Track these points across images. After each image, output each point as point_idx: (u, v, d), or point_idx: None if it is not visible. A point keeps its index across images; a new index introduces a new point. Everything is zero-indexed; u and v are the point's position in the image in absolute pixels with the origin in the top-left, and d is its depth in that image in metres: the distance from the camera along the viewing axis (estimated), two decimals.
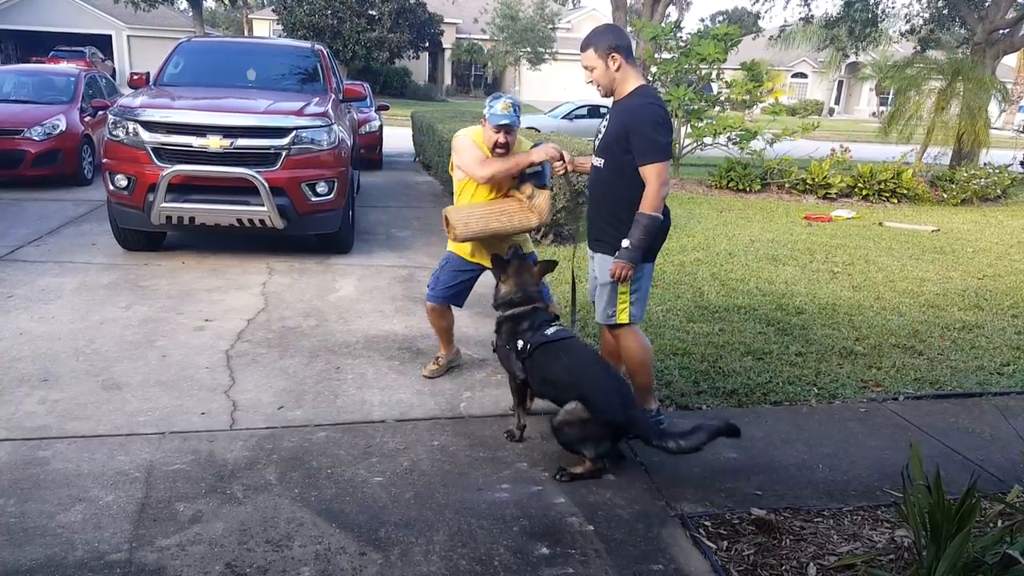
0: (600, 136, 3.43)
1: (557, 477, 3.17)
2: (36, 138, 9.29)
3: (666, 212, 3.35)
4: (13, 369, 4.00)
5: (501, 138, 3.66)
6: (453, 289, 4.00)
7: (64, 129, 9.57)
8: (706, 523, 2.89)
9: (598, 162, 3.41)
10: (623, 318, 3.42)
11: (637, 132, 3.18)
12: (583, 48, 3.30)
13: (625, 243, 3.24)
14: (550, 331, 3.34)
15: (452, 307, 4.11)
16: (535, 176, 3.71)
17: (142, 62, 32.27)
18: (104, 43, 38.30)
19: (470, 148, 3.74)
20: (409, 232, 7.97)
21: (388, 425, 3.59)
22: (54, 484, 2.93)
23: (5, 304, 5.01)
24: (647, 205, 3.17)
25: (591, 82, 3.34)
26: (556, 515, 2.90)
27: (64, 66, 15.09)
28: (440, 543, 2.69)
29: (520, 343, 3.37)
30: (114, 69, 36.02)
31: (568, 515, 2.90)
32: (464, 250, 3.95)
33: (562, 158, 3.65)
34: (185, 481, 3.00)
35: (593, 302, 3.63)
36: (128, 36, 38.84)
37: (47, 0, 37.28)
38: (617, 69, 3.24)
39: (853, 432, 3.75)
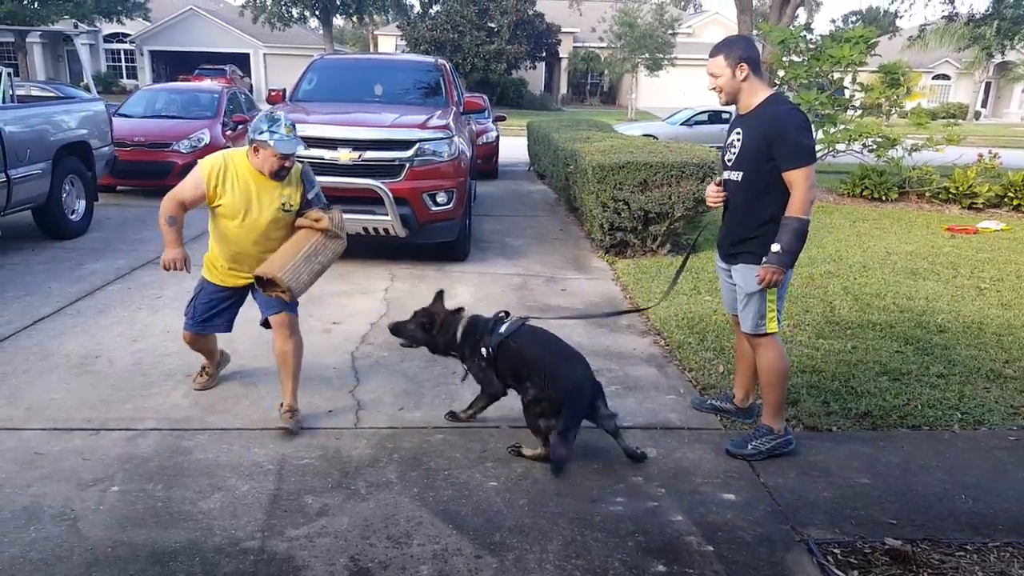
0: (734, 149, 3.36)
1: (508, 451, 3.39)
2: (183, 151, 10.04)
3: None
4: (161, 364, 4.32)
5: (288, 163, 3.48)
6: (209, 315, 3.79)
7: (208, 142, 10.29)
8: (835, 551, 2.74)
9: (735, 176, 3.36)
10: (772, 327, 3.35)
11: (781, 138, 3.17)
12: (712, 55, 3.32)
13: (775, 247, 3.18)
14: (502, 328, 3.46)
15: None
16: (317, 198, 3.63)
17: (277, 78, 34.27)
18: (243, 61, 40.99)
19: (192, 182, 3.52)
20: (523, 241, 8.03)
21: (502, 431, 3.62)
22: (196, 472, 3.14)
23: (155, 304, 5.42)
24: (795, 208, 3.14)
25: (714, 88, 3.36)
26: (673, 533, 2.84)
27: (208, 83, 16.27)
28: (554, 552, 2.69)
29: (484, 351, 3.45)
30: (251, 85, 38.47)
31: (686, 534, 2.83)
32: (215, 276, 3.73)
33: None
34: (313, 475, 3.15)
35: (734, 315, 3.60)
36: (264, 54, 41.39)
37: (193, 22, 40.37)
38: (744, 79, 3.26)
39: (1001, 461, 3.46)
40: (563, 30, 39.24)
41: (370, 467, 3.23)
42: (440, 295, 3.76)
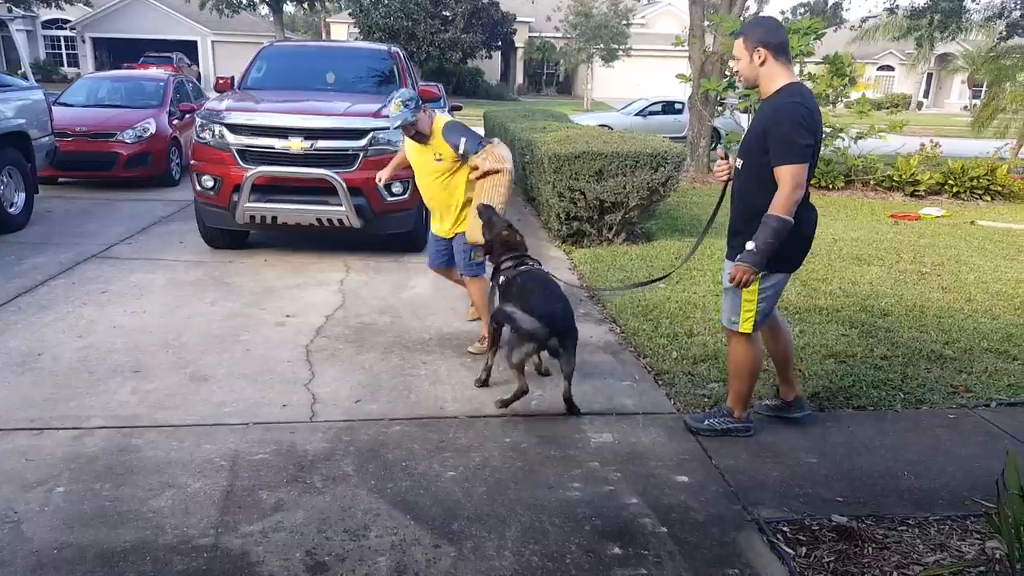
0: (744, 136, 3.33)
1: (496, 404, 3.71)
2: (128, 141, 9.77)
3: (812, 221, 3.23)
4: (108, 360, 4.22)
5: (411, 130, 4.32)
6: (436, 257, 4.77)
7: (154, 132, 10.04)
8: (784, 529, 2.82)
9: (739, 163, 3.30)
10: (746, 328, 3.30)
11: (775, 131, 3.05)
12: (735, 37, 3.26)
13: (750, 245, 3.07)
14: (523, 267, 3.99)
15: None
16: (469, 146, 4.28)
17: (226, 66, 33.53)
18: (190, 49, 40.00)
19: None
20: None
21: (461, 421, 3.63)
22: (145, 470, 3.08)
23: (100, 299, 5.29)
24: (778, 207, 3.01)
25: (736, 72, 3.32)
26: (629, 516, 2.88)
27: (153, 72, 15.82)
28: (512, 539, 2.71)
29: (501, 279, 4.00)
30: (199, 73, 37.58)
31: (641, 516, 2.88)
32: (432, 226, 4.73)
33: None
34: (268, 470, 3.11)
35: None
36: (212, 41, 40.46)
37: (137, 9, 39.22)
38: (762, 64, 3.13)
39: (941, 439, 3.59)
40: (518, 19, 39.17)
41: (326, 460, 3.21)
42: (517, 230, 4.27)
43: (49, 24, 39.31)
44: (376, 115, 6.35)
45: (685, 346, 4.61)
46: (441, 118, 4.44)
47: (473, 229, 4.22)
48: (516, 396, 3.68)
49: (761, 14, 16.09)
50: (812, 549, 2.70)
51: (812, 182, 3.28)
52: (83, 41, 39.46)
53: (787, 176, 3.02)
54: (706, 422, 3.55)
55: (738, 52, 3.21)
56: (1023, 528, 2.21)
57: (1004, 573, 2.43)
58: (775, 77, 3.14)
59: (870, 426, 3.71)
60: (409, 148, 4.54)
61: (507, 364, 3.72)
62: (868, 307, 5.51)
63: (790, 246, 3.15)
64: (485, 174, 4.25)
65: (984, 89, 16.46)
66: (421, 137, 4.35)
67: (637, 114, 19.74)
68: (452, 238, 4.54)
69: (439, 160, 4.38)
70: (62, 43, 40.25)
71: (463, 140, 4.30)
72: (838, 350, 4.62)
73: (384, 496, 2.95)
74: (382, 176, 4.94)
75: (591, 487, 3.07)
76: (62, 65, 38.93)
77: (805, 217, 3.18)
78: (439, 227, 4.61)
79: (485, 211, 4.16)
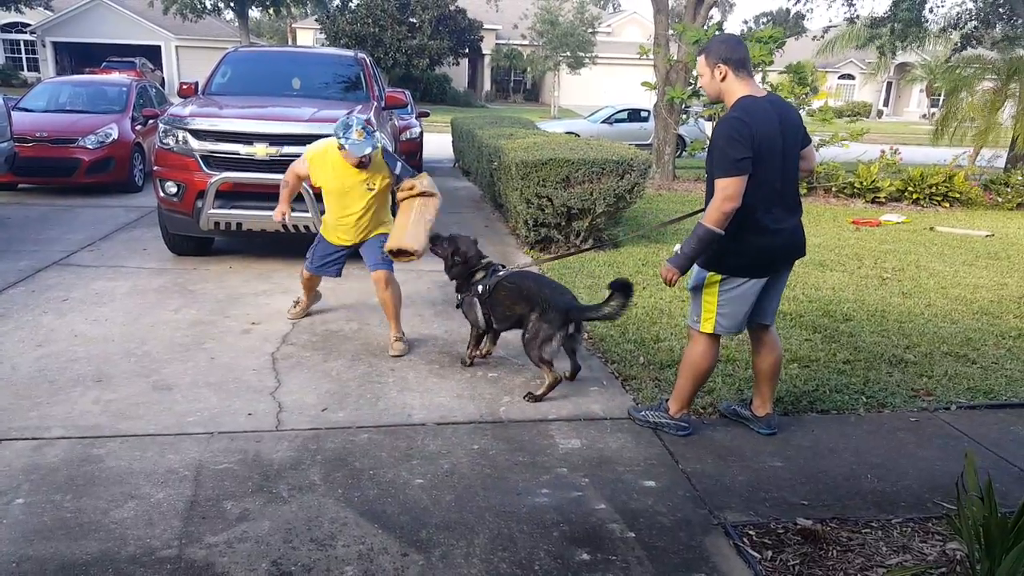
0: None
1: (525, 398, 3.94)
2: (90, 146, 9.60)
3: (774, 231, 3.24)
4: (69, 370, 4.13)
5: (365, 159, 4.34)
6: (323, 263, 4.80)
7: (116, 138, 9.87)
8: (750, 532, 2.85)
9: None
10: (707, 328, 3.40)
11: (712, 145, 3.19)
12: (698, 54, 3.35)
13: (676, 247, 3.25)
14: (501, 272, 4.19)
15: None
16: (404, 171, 4.51)
17: (190, 72, 33.07)
18: (154, 54, 39.40)
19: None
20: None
21: (429, 428, 3.61)
22: (108, 481, 3.01)
23: (61, 307, 5.17)
24: (707, 217, 3.13)
25: (701, 87, 3.41)
26: (596, 521, 2.89)
27: (116, 76, 15.55)
28: (480, 546, 2.70)
29: (480, 288, 4.15)
30: (163, 79, 37.05)
31: (609, 521, 2.89)
32: (328, 236, 4.72)
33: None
34: (232, 480, 3.07)
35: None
36: (176, 47, 39.90)
37: (100, 13, 38.52)
38: (723, 79, 3.22)
39: (903, 442, 3.66)
40: (485, 27, 39.20)
41: (292, 469, 3.17)
42: (475, 240, 4.42)
43: (8, 28, 38.42)
44: None
45: (652, 351, 4.65)
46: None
47: (409, 234, 4.26)
48: (551, 387, 3.96)
49: (724, 23, 16.33)
50: (778, 552, 2.73)
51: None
52: (44, 45, 38.62)
53: (718, 188, 3.12)
54: (642, 413, 3.73)
55: (700, 69, 3.31)
56: (983, 529, 2.26)
57: (965, 574, 2.49)
58: (734, 92, 3.23)
59: (834, 430, 3.77)
60: (331, 172, 4.46)
61: (535, 360, 3.96)
62: (831, 312, 5.60)
63: (747, 254, 3.25)
64: (420, 194, 4.36)
65: (942, 98, 16.85)
66: (364, 165, 4.38)
67: (603, 121, 19.89)
68: (360, 243, 4.66)
69: (370, 189, 4.47)
70: (22, 47, 39.35)
71: (399, 164, 4.54)
72: (801, 355, 4.69)
73: (351, 505, 2.93)
74: (284, 211, 4.81)
75: (559, 493, 3.08)
76: (22, 70, 38.04)
77: (763, 226, 3.21)
78: (344, 239, 4.66)
79: (440, 239, 4.35)
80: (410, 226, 4.29)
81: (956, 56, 15.58)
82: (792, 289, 6.20)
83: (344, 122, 4.27)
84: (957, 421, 3.91)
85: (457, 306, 4.40)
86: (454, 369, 4.36)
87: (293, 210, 6.02)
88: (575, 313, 3.98)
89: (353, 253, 4.78)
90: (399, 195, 4.44)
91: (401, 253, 4.31)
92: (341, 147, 4.26)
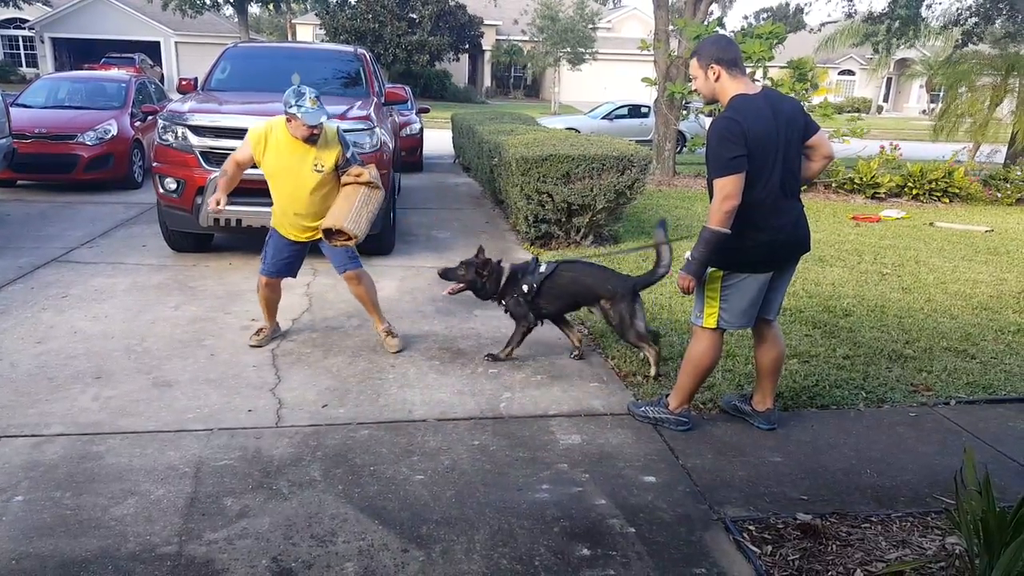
0: None
1: (654, 377, 4.16)
2: (89, 143, 9.59)
3: (774, 227, 3.24)
4: (68, 366, 4.13)
5: (316, 130, 4.12)
6: (278, 262, 4.45)
7: (116, 134, 9.86)
8: (750, 527, 2.85)
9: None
10: (709, 323, 3.41)
11: (707, 146, 3.20)
12: (691, 56, 3.37)
13: (687, 254, 3.25)
14: (543, 268, 4.33)
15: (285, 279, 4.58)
16: (353, 157, 4.31)
17: (189, 67, 33.06)
18: (153, 50, 39.35)
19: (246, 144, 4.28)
20: (449, 233, 8.02)
21: (429, 424, 3.62)
22: (107, 478, 3.02)
23: (60, 304, 5.17)
24: (710, 218, 3.14)
25: (695, 90, 3.42)
26: (597, 516, 2.89)
27: (115, 72, 15.54)
28: (481, 542, 2.70)
29: (524, 288, 4.27)
30: (163, 75, 37.01)
31: (609, 517, 2.89)
32: (282, 228, 4.42)
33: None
34: (232, 476, 3.07)
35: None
36: (176, 43, 39.85)
37: (99, 9, 38.46)
38: (716, 80, 3.23)
39: (902, 437, 3.67)
40: (486, 22, 39.19)
41: (292, 466, 3.18)
42: (481, 249, 4.46)
43: (6, 24, 38.38)
44: (342, 117, 6.31)
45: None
46: (331, 123, 4.32)
47: (350, 218, 4.10)
48: (659, 357, 4.21)
49: (724, 19, 16.29)
50: (777, 547, 2.73)
51: None
52: (42, 41, 38.59)
53: (716, 188, 3.14)
54: (642, 409, 3.73)
55: (694, 71, 3.32)
56: (982, 524, 2.26)
57: (964, 568, 2.49)
58: (728, 91, 3.24)
59: (833, 425, 3.78)
60: (276, 151, 4.20)
61: (635, 341, 4.19)
62: (830, 307, 5.60)
63: (749, 249, 3.24)
64: (367, 183, 4.21)
65: (942, 94, 16.83)
66: (314, 139, 4.14)
67: (604, 117, 19.88)
68: (315, 240, 4.37)
69: (319, 170, 4.19)
70: (20, 43, 39.32)
71: (350, 148, 4.33)
72: (801, 350, 4.69)
73: (351, 501, 2.93)
74: (219, 199, 4.26)
75: (560, 489, 3.08)
76: (20, 66, 38.00)
77: (764, 222, 3.22)
78: (296, 234, 4.37)
79: (450, 270, 4.45)
80: (353, 211, 4.12)
81: (956, 53, 15.54)
82: (792, 284, 6.18)
83: (295, 90, 4.03)
84: (956, 416, 3.91)
85: (505, 311, 4.47)
86: (454, 365, 4.36)
87: None
88: (640, 285, 4.24)
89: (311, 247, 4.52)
90: (344, 179, 4.23)
91: (338, 234, 4.15)
92: (292, 117, 4.03)
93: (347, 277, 4.47)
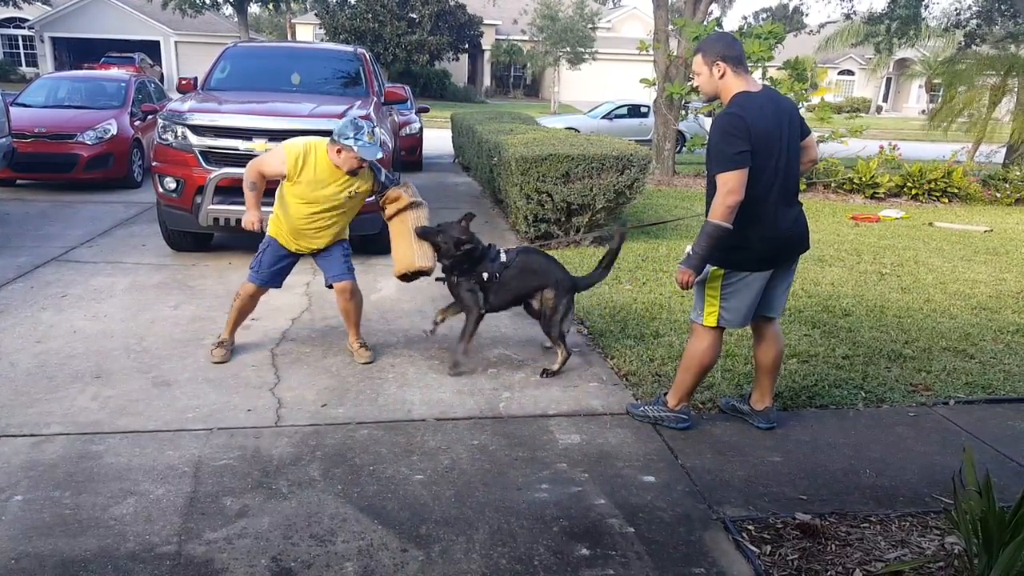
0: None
1: (542, 375, 4.19)
2: (88, 142, 9.58)
3: (774, 223, 3.24)
4: (68, 366, 4.12)
5: (365, 164, 4.07)
6: (272, 270, 4.31)
7: (115, 133, 9.85)
8: (749, 527, 2.86)
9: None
10: (710, 321, 3.40)
11: (710, 142, 3.20)
12: (694, 52, 3.34)
13: (688, 248, 3.24)
14: (504, 257, 4.23)
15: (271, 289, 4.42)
16: (388, 180, 4.25)
17: (189, 67, 33.02)
18: (153, 49, 39.29)
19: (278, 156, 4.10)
20: None
21: (428, 424, 3.62)
22: (107, 477, 3.02)
23: (60, 303, 5.17)
24: (712, 213, 3.13)
25: (697, 87, 3.41)
26: (596, 516, 2.90)
27: (115, 72, 15.53)
28: (480, 542, 2.71)
29: (485, 275, 4.16)
30: (162, 74, 36.97)
31: (608, 516, 2.89)
32: (283, 238, 4.25)
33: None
34: (232, 476, 3.07)
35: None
36: (176, 42, 39.81)
37: (98, 8, 38.41)
38: (721, 77, 3.23)
39: (901, 437, 3.67)
40: (485, 22, 39.16)
41: (292, 465, 3.18)
42: (469, 216, 4.26)
43: (6, 23, 38.34)
44: (342, 116, 6.30)
45: (652, 347, 4.65)
46: None
47: (419, 255, 4.05)
48: (565, 362, 4.25)
49: (724, 19, 16.27)
50: (776, 547, 2.74)
51: None
52: (42, 41, 38.54)
53: (720, 183, 3.13)
54: (641, 409, 3.73)
55: (697, 68, 3.30)
56: (981, 524, 2.27)
57: (963, 568, 2.49)
58: (732, 89, 3.24)
59: (832, 425, 3.78)
60: (313, 172, 4.04)
61: (556, 336, 4.22)
62: (830, 307, 5.61)
63: (749, 247, 3.24)
64: (409, 206, 4.14)
65: (941, 93, 16.84)
66: (357, 171, 4.07)
67: (603, 117, 19.88)
68: (320, 251, 4.29)
69: (352, 196, 4.14)
70: (20, 43, 39.26)
71: (383, 172, 4.26)
72: (800, 350, 4.69)
73: (351, 501, 2.93)
74: (257, 219, 4.19)
75: (559, 488, 3.08)
76: (20, 65, 37.94)
77: (764, 219, 3.22)
78: (303, 246, 4.25)
79: (429, 231, 4.12)
80: (415, 246, 4.06)
81: (958, 53, 15.56)
82: (792, 285, 6.19)
83: (354, 123, 3.93)
84: (955, 416, 3.91)
85: (452, 291, 4.27)
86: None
87: None
88: (581, 285, 4.35)
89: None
90: (388, 209, 4.18)
91: (416, 274, 4.14)
92: (344, 148, 3.91)
93: (342, 288, 4.30)
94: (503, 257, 4.23)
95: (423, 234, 4.11)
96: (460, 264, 4.18)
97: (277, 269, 4.33)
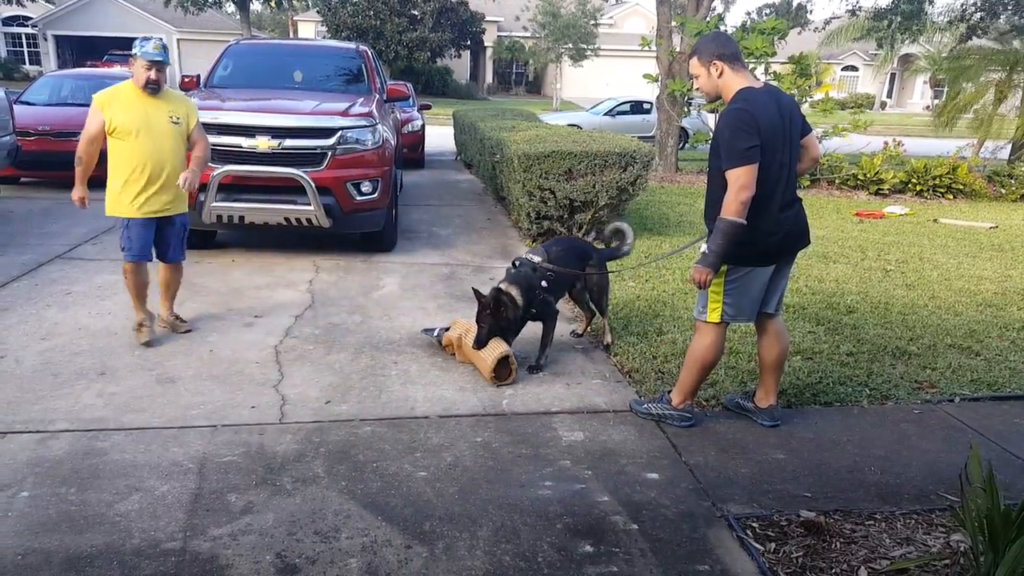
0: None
1: (605, 350, 4.58)
2: None
3: (779, 218, 3.25)
4: (73, 363, 4.13)
5: (152, 74, 4.17)
6: (143, 245, 4.38)
7: None
8: (753, 524, 2.85)
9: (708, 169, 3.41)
10: (714, 317, 3.40)
11: (719, 137, 3.18)
12: (690, 56, 3.34)
13: (703, 247, 3.22)
14: (536, 257, 4.34)
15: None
16: (198, 129, 4.47)
17: (192, 65, 33.00)
18: None
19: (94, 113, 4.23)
20: (451, 230, 8.01)
21: (432, 421, 3.62)
22: (112, 474, 3.02)
23: (64, 300, 5.18)
24: (726, 210, 3.11)
25: (698, 89, 3.40)
26: (600, 513, 2.89)
27: (118, 70, 15.53)
28: (484, 538, 2.71)
29: (544, 283, 4.25)
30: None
31: (612, 514, 2.89)
32: (126, 210, 4.31)
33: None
34: (236, 472, 3.07)
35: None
36: (178, 39, 39.77)
37: (101, 5, 38.42)
38: (719, 76, 3.24)
39: (906, 434, 3.66)
40: (487, 19, 39.11)
41: (296, 462, 3.18)
42: (476, 291, 4.21)
43: (10, 21, 38.38)
44: (345, 114, 6.32)
45: (655, 344, 4.64)
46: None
47: (490, 357, 4.02)
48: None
49: (726, 15, 16.23)
50: (781, 544, 2.73)
51: None
52: (45, 39, 38.56)
53: (731, 179, 3.11)
54: (645, 406, 3.72)
55: (695, 70, 3.31)
56: (986, 521, 2.26)
57: (968, 566, 2.48)
58: (733, 86, 3.24)
59: (837, 422, 3.77)
60: (126, 107, 4.19)
61: (605, 307, 4.71)
62: (834, 304, 5.59)
63: (752, 242, 3.23)
64: (459, 337, 4.26)
65: (945, 89, 16.78)
66: (157, 87, 4.21)
67: (606, 114, 19.86)
68: (172, 217, 4.43)
69: (176, 122, 4.31)
70: (23, 40, 39.30)
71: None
72: (805, 347, 4.68)
73: (355, 497, 2.93)
74: (82, 195, 4.42)
75: (563, 485, 3.08)
76: (24, 63, 38.00)
77: (768, 215, 3.22)
78: (156, 200, 4.30)
79: (485, 335, 4.08)
80: (482, 354, 4.05)
81: (960, 47, 15.51)
82: (796, 281, 6.19)
83: (143, 37, 4.27)
84: (961, 413, 3.90)
85: (537, 318, 4.36)
86: (457, 362, 4.36)
87: (294, 203, 6.08)
88: (617, 255, 4.78)
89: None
90: (458, 355, 4.31)
91: (503, 363, 4.05)
92: (132, 64, 4.17)
93: (173, 267, 4.60)
94: (536, 258, 4.33)
95: (485, 337, 4.07)
96: (528, 308, 4.23)
97: (146, 241, 4.38)
